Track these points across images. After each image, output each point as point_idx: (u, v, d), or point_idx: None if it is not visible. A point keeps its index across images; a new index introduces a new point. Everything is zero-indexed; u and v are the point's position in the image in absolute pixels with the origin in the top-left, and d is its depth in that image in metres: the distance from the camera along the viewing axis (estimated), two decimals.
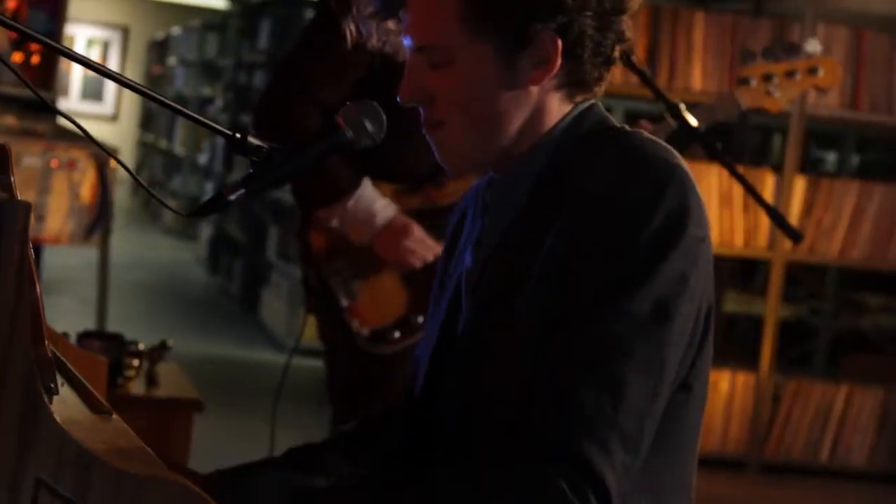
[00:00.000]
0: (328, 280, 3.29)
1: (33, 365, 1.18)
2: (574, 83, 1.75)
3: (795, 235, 3.10)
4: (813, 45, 3.27)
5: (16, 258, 1.17)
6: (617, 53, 1.76)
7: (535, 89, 1.73)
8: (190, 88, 14.21)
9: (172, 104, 1.77)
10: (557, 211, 1.66)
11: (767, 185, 5.96)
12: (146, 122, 17.80)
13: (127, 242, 11.20)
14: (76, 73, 17.95)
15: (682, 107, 3.07)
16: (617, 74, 4.87)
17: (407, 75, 1.76)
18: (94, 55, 18.05)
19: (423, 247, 3.22)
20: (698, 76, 6.01)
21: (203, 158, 12.58)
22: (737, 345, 7.16)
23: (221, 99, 12.09)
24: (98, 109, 18.35)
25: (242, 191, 1.75)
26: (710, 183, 5.91)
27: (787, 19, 6.18)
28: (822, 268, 7.14)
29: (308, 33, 3.33)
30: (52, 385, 1.31)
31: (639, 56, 3.08)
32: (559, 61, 1.70)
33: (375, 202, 3.21)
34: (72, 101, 17.67)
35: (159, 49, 17.47)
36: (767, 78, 3.25)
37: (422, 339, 1.94)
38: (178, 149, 14.24)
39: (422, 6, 1.73)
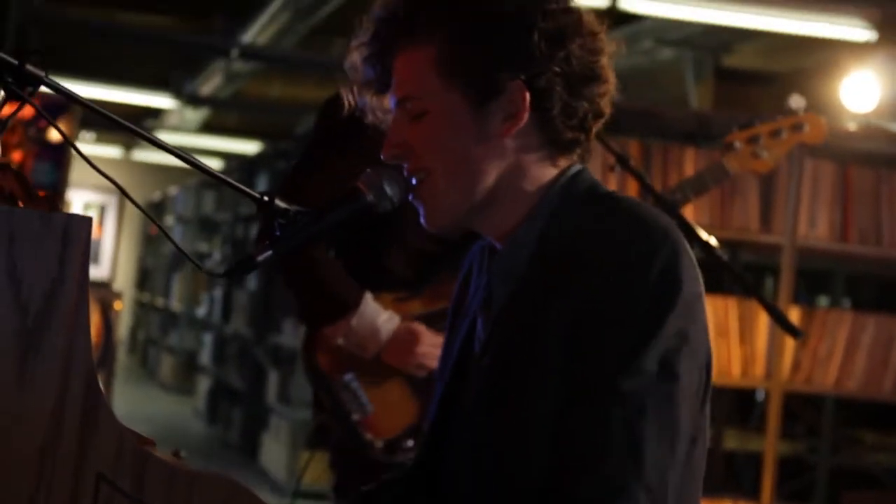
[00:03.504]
0: (339, 396, 3.29)
1: (94, 366, 1.27)
2: (549, 143, 1.82)
3: (796, 332, 3.16)
4: (796, 102, 3.29)
5: (79, 266, 1.26)
6: (594, 124, 1.83)
7: (508, 143, 1.80)
8: (187, 245, 14.38)
9: (210, 169, 1.87)
10: (559, 279, 1.74)
11: (762, 317, 6.03)
12: (142, 281, 17.94)
13: (125, 397, 11.21)
14: None
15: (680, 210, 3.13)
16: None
17: (390, 131, 1.85)
18: None
19: (438, 348, 3.21)
20: (690, 210, 6.13)
21: (201, 311, 12.67)
22: (737, 480, 7.18)
23: (219, 252, 12.25)
24: (93, 273, 18.48)
25: (270, 252, 1.84)
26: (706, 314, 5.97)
27: None
28: (818, 402, 7.18)
29: (309, 153, 3.35)
30: None
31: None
32: (527, 114, 1.78)
33: (378, 317, 3.21)
34: None
35: (156, 209, 17.69)
36: (753, 140, 3.27)
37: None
38: (175, 305, 14.34)
39: (403, 62, 1.83)
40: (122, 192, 1.76)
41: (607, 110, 1.85)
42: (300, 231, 1.84)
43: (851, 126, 6.27)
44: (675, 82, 9.25)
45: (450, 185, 1.82)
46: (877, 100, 6.86)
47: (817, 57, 8.32)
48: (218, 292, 11.79)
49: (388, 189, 1.88)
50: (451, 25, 1.79)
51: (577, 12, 1.81)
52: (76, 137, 9.89)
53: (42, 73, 1.68)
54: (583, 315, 1.70)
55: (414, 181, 1.85)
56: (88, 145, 17.50)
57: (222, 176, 1.88)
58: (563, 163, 1.85)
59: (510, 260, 1.84)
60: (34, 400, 1.24)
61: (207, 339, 12.14)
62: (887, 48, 7.19)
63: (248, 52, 9.85)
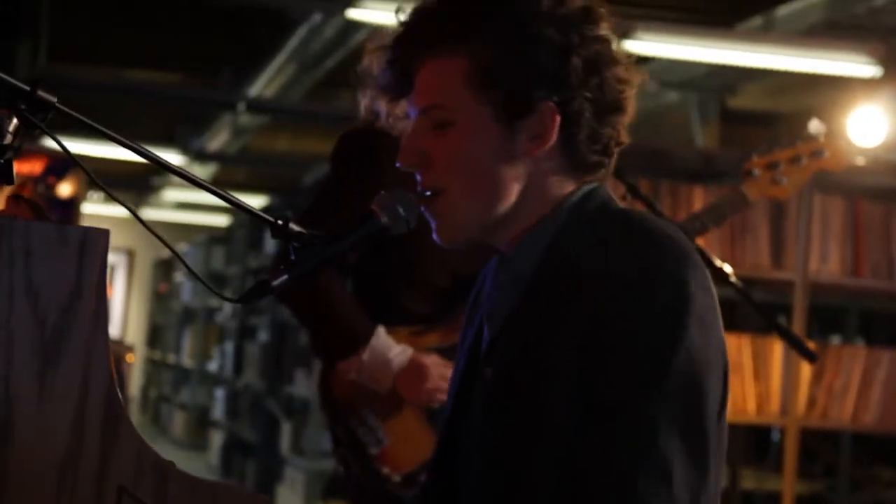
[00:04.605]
0: (355, 431, 3.28)
1: (113, 375, 1.26)
2: (571, 167, 1.81)
3: (812, 356, 3.14)
4: (815, 127, 3.26)
5: (96, 279, 1.26)
6: (615, 151, 1.84)
7: (530, 164, 1.79)
8: (197, 301, 14.38)
9: (219, 191, 1.86)
10: (568, 291, 1.72)
11: (776, 353, 6.01)
12: (153, 339, 17.93)
13: None
14: None
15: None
16: None
17: (408, 138, 1.83)
18: None
19: (448, 381, 3.21)
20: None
21: (213, 366, 12.66)
22: None
23: (229, 307, 12.23)
24: None
25: (286, 277, 1.83)
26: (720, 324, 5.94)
27: None
28: (835, 440, 7.14)
29: (318, 202, 3.33)
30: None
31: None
32: (554, 136, 1.78)
33: (390, 350, 3.20)
34: None
35: (165, 267, 17.71)
36: (773, 166, 3.24)
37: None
38: (187, 361, 14.33)
39: (431, 70, 1.82)
40: (132, 213, 1.75)
41: (626, 139, 1.85)
42: (315, 255, 1.83)
43: (860, 161, 6.25)
44: (680, 125, 9.27)
45: (468, 201, 1.81)
46: (884, 134, 6.86)
47: (822, 95, 8.33)
48: (229, 346, 11.77)
49: (401, 211, 1.87)
50: (490, 39, 1.78)
51: (610, 41, 1.82)
52: (84, 197, 9.91)
53: (53, 100, 1.68)
54: (595, 332, 1.69)
55: (428, 193, 1.83)
56: (96, 205, 17.55)
57: (239, 201, 1.87)
58: (583, 181, 1.85)
59: (517, 267, 1.83)
60: (54, 413, 1.24)
61: (220, 393, 12.12)
62: (893, 83, 7.20)
63: (255, 106, 9.89)
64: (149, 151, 1.83)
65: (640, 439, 1.65)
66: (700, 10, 7.76)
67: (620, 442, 1.65)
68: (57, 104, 1.68)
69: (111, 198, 1.83)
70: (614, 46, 1.82)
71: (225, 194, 1.85)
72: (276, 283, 1.82)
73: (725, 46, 7.21)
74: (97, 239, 1.28)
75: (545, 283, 1.77)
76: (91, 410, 1.25)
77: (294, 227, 1.84)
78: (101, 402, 1.25)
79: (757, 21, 7.60)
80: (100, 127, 1.78)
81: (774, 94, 9.20)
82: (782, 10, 7.41)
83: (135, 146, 1.80)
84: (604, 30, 1.81)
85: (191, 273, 1.87)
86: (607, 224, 1.78)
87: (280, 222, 1.84)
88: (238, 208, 1.87)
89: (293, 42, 8.59)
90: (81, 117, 1.72)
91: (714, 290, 1.75)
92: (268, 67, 9.39)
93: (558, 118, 1.77)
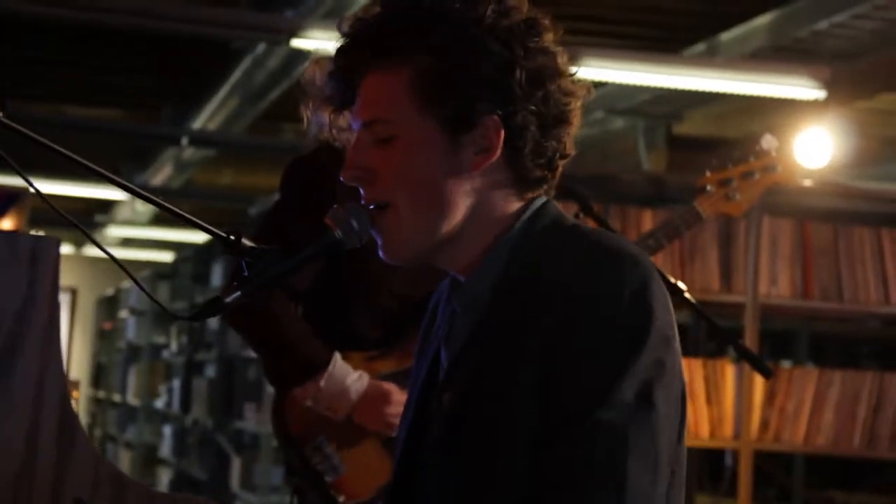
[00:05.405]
0: (310, 459, 3.24)
1: (67, 386, 1.21)
2: (516, 181, 1.79)
3: (766, 370, 3.12)
4: (768, 142, 3.26)
5: (49, 287, 1.21)
6: (560, 163, 1.81)
7: (476, 178, 1.77)
8: (142, 338, 14.23)
9: (179, 212, 1.82)
10: (527, 311, 1.70)
11: (728, 377, 6.01)
12: (97, 378, 17.74)
13: None
14: None
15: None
16: None
17: (351, 153, 1.80)
18: None
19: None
20: None
21: (160, 403, 12.53)
22: None
23: (175, 343, 12.12)
24: None
25: (239, 294, 1.79)
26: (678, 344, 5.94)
27: None
28: (788, 463, 7.16)
29: (266, 227, 3.33)
30: None
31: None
32: (499, 150, 1.75)
33: (347, 377, 3.17)
34: None
35: (109, 304, 17.51)
36: (725, 182, 3.24)
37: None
38: (133, 399, 14.17)
39: (374, 82, 1.79)
40: (84, 232, 1.70)
41: (572, 151, 1.83)
42: (268, 270, 1.80)
43: (807, 182, 6.28)
44: (627, 152, 9.30)
45: (414, 216, 1.78)
46: (830, 156, 6.91)
47: (767, 119, 8.39)
48: (176, 383, 11.65)
49: (355, 224, 1.83)
50: (433, 51, 1.75)
51: (554, 53, 1.80)
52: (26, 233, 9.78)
53: None
54: (556, 347, 1.67)
55: (372, 207, 1.80)
56: None
57: (191, 217, 1.84)
58: (528, 196, 1.82)
59: (473, 292, 1.81)
60: (8, 424, 1.19)
61: (167, 430, 11.99)
62: (837, 106, 7.25)
63: (198, 139, 9.82)
64: (103, 171, 1.79)
65: (594, 454, 1.63)
66: (644, 37, 7.80)
67: (575, 456, 1.63)
68: (3, 119, 1.63)
69: (59, 215, 1.78)
70: (559, 59, 1.80)
71: (179, 212, 1.82)
72: (228, 299, 1.78)
73: (671, 72, 7.23)
74: (48, 248, 1.24)
75: (504, 303, 1.75)
76: (45, 421, 1.20)
77: (246, 242, 1.81)
78: (56, 412, 1.21)
79: (701, 47, 7.64)
80: (51, 144, 1.73)
81: (720, 120, 9.26)
82: (726, 36, 7.46)
83: (94, 167, 1.76)
84: (548, 42, 1.79)
85: (143, 290, 1.83)
86: (566, 241, 1.76)
87: (232, 237, 1.81)
88: (196, 226, 1.84)
89: (236, 74, 8.53)
90: (25, 131, 1.67)
91: (672, 309, 1.73)
92: (211, 100, 9.33)
93: (503, 132, 1.75)
